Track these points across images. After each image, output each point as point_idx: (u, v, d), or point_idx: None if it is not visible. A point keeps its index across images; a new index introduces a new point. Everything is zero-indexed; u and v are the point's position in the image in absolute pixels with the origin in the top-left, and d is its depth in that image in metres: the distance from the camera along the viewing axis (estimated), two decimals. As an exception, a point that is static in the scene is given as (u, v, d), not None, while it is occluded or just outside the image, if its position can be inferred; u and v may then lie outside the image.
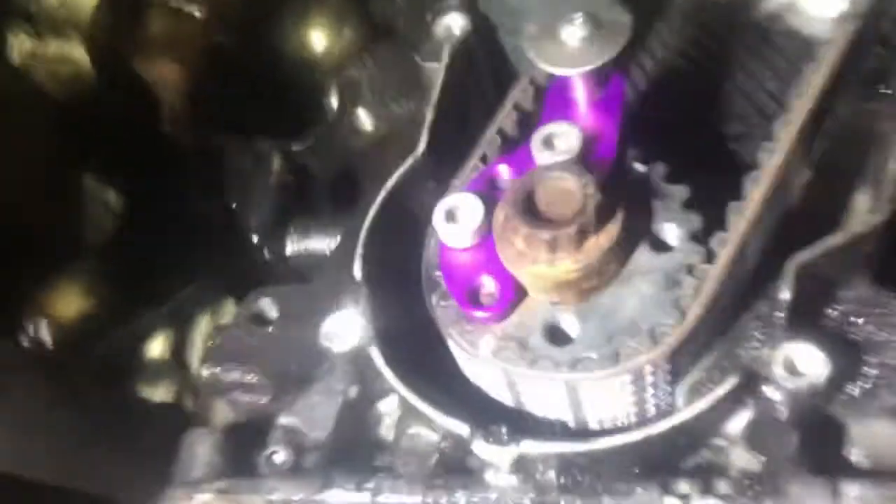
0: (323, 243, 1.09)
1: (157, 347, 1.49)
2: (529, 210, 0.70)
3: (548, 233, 0.68)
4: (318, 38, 1.36)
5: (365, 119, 1.14)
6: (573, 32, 0.74)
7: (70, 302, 1.44)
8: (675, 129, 0.99)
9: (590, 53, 0.75)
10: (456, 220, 0.75)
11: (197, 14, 1.42)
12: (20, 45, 1.47)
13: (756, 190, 0.73)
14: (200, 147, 1.28)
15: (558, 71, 0.77)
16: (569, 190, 0.70)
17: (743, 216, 0.72)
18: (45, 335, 1.41)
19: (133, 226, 1.47)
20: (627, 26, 0.74)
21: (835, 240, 0.70)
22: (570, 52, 0.75)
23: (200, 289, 1.45)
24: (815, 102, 0.76)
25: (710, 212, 0.76)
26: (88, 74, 1.48)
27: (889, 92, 0.97)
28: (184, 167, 1.31)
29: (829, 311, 0.74)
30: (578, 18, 0.74)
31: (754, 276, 0.76)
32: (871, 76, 0.96)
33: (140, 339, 1.48)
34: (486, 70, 0.99)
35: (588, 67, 0.75)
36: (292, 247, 1.09)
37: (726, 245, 0.71)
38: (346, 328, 0.78)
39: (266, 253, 1.11)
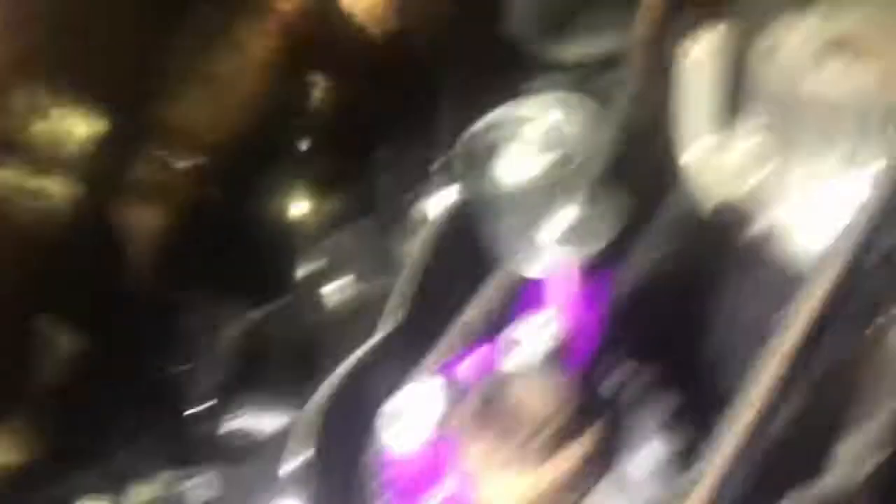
0: (270, 422, 1.01)
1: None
2: (497, 412, 0.64)
3: (512, 442, 0.61)
4: (301, 206, 1.34)
5: (333, 293, 1.09)
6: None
7: (3, 450, 1.35)
8: (651, 346, 0.95)
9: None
10: (407, 417, 0.68)
11: (185, 165, 1.41)
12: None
13: (733, 432, 0.67)
14: (160, 302, 1.22)
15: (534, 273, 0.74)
16: (540, 394, 0.64)
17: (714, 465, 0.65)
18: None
19: (80, 377, 1.39)
20: (613, 225, 0.71)
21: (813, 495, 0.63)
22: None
23: (139, 454, 1.36)
24: (800, 341, 0.72)
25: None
26: (63, 213, 1.44)
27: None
28: (137, 322, 1.24)
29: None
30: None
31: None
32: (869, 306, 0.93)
33: (68, 501, 1.37)
34: (466, 256, 0.95)
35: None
36: (233, 424, 1.01)
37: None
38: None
39: (206, 425, 1.03)
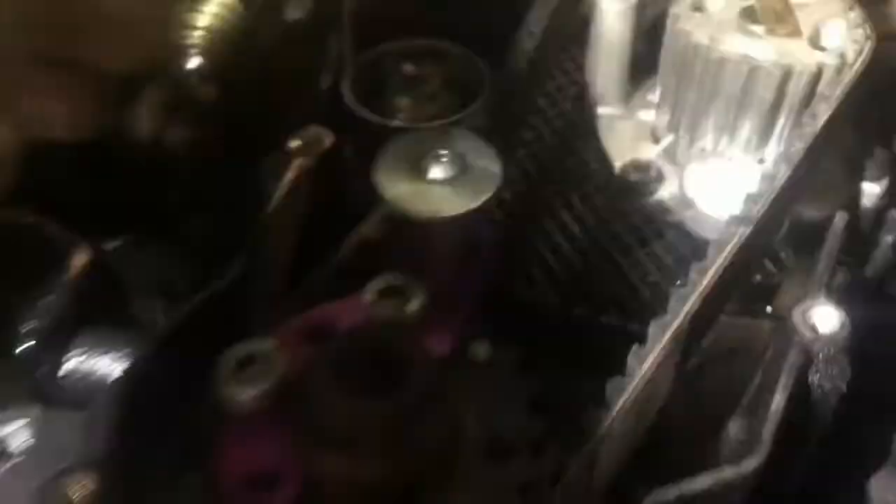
0: (112, 366, 0.90)
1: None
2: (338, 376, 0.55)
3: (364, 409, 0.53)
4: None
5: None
6: (435, 171, 0.63)
7: None
8: (539, 311, 0.89)
9: (455, 198, 0.64)
10: (247, 371, 0.59)
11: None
12: None
13: (618, 400, 0.61)
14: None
15: (419, 213, 0.65)
16: (394, 361, 0.56)
17: (600, 428, 0.59)
18: None
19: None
20: (498, 176, 0.63)
21: (701, 482, 0.57)
22: (433, 193, 0.64)
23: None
24: (696, 308, 0.66)
25: (559, 413, 0.63)
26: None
27: (771, 311, 0.90)
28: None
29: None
30: (444, 156, 0.63)
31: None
32: (756, 292, 0.89)
33: None
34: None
35: (451, 213, 0.64)
36: (73, 363, 0.89)
37: (576, 460, 0.57)
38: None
39: (38, 364, 0.91)
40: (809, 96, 0.88)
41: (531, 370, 0.67)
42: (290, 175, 0.77)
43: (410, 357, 0.54)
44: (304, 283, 0.70)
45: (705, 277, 0.69)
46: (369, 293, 0.62)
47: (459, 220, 0.63)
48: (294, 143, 0.82)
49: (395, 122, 0.86)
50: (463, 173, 0.64)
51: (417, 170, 0.65)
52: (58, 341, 0.93)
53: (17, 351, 0.96)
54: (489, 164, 0.65)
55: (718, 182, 0.94)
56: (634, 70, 1.04)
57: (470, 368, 0.63)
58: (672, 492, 0.56)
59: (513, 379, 0.64)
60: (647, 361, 0.64)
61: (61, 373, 0.92)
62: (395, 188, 0.65)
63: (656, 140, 1.02)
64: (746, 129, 0.92)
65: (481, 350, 0.65)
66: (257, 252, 0.73)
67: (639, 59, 1.04)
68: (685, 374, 0.81)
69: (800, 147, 0.79)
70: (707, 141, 0.96)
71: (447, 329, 0.63)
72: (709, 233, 0.92)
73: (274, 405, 0.58)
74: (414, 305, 0.60)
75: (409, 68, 0.88)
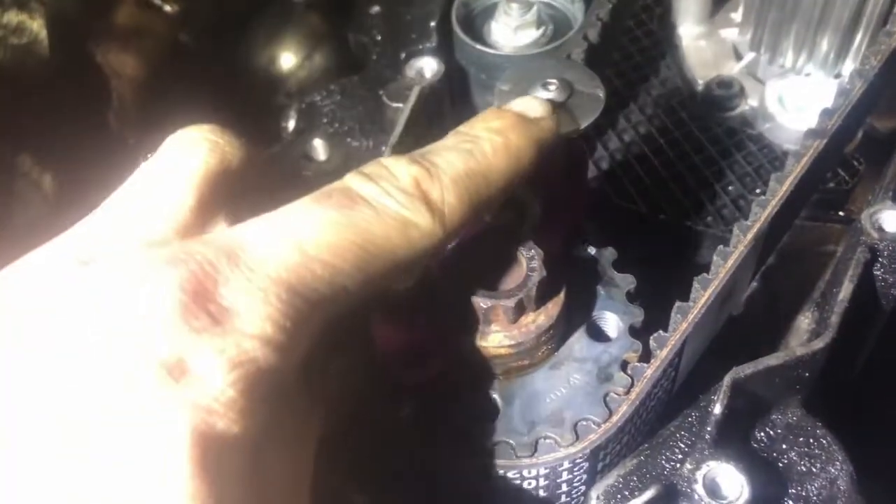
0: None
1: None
2: (470, 275, 0.66)
3: (485, 301, 0.64)
4: (288, 59, 1.32)
5: (320, 148, 1.10)
6: (546, 97, 0.72)
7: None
8: (631, 217, 0.98)
9: (560, 121, 0.72)
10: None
11: (168, 9, 1.37)
12: (-26, 7, 1.40)
13: (704, 293, 0.70)
14: (143, 147, 1.22)
15: None
16: (513, 259, 0.67)
17: (686, 318, 0.69)
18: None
19: (60, 215, 1.39)
20: (601, 100, 0.71)
21: (775, 359, 0.67)
22: None
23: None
24: (775, 212, 0.75)
25: (654, 307, 0.73)
26: (43, 50, 1.41)
27: (842, 215, 0.97)
28: (122, 164, 1.24)
29: (757, 432, 0.71)
30: (553, 84, 0.71)
31: (686, 383, 0.74)
32: (829, 198, 0.97)
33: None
34: (452, 120, 0.96)
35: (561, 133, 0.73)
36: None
37: (665, 346, 0.68)
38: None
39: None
40: (886, 15, 0.93)
41: (627, 268, 0.77)
42: (411, 101, 0.87)
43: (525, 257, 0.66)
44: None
45: (783, 185, 0.77)
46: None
47: (569, 139, 0.72)
48: (410, 70, 0.92)
49: (505, 51, 0.94)
50: (570, 97, 0.72)
51: (526, 93, 0.73)
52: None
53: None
54: (594, 90, 0.73)
55: (797, 96, 1.00)
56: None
57: (576, 265, 0.74)
58: (749, 367, 0.66)
59: (612, 274, 0.74)
60: (730, 260, 0.73)
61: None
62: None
63: (738, 57, 1.08)
64: (824, 46, 0.98)
65: (585, 250, 0.75)
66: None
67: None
68: (763, 272, 0.91)
69: (874, 63, 0.85)
70: (787, 58, 1.02)
71: (558, 231, 0.73)
72: (787, 144, 1.00)
73: (419, 298, 0.70)
74: (531, 212, 0.71)
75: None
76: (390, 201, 0.55)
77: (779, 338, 0.89)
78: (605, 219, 0.96)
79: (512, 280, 0.66)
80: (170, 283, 0.46)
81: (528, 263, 0.66)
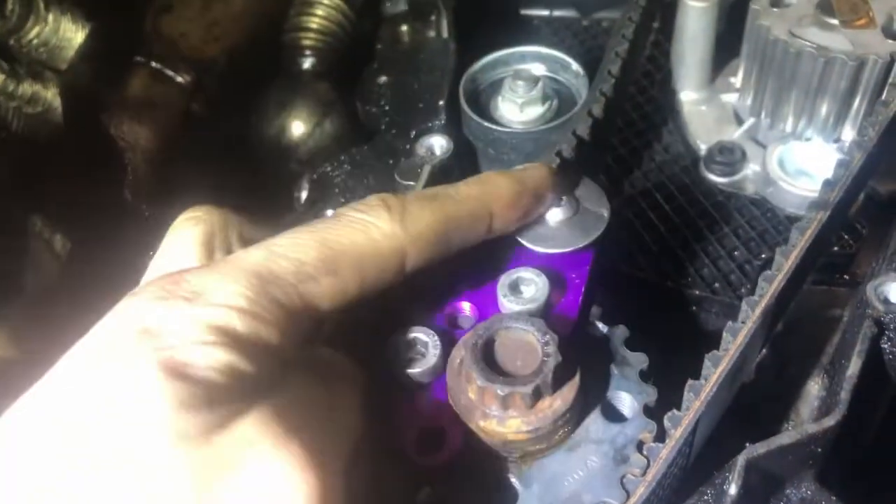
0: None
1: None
2: (487, 361, 0.68)
3: (503, 388, 0.66)
4: (298, 127, 1.34)
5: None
6: (555, 213, 0.76)
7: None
8: (639, 285, 1.00)
9: (566, 237, 0.77)
10: (414, 356, 0.73)
11: (180, 80, 1.41)
12: (-3, 78, 1.44)
13: (715, 371, 0.72)
14: (153, 217, 1.24)
15: (533, 248, 0.78)
16: (529, 345, 0.69)
17: (699, 397, 0.71)
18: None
19: (71, 277, 1.41)
20: (605, 220, 0.77)
21: (788, 438, 0.69)
22: (548, 231, 0.77)
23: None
24: (781, 285, 0.76)
25: (665, 382, 0.75)
26: (57, 119, 1.44)
27: (847, 278, 0.99)
28: (125, 232, 1.27)
29: (773, 507, 0.72)
30: (562, 201, 0.75)
31: (699, 460, 0.75)
32: (834, 262, 0.98)
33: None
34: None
35: (562, 250, 0.77)
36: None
37: (679, 425, 0.69)
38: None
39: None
40: (882, 82, 0.96)
41: (635, 338, 0.78)
42: (422, 179, 0.90)
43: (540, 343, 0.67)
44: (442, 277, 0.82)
45: (789, 259, 0.79)
46: (501, 286, 0.74)
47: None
48: (420, 148, 0.95)
49: (511, 128, 0.97)
50: (576, 214, 0.77)
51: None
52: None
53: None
54: (599, 208, 0.78)
55: (798, 160, 1.03)
56: (716, 53, 1.13)
57: (588, 344, 0.76)
58: (762, 446, 0.68)
59: (624, 353, 0.75)
60: (739, 336, 0.74)
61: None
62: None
63: (739, 122, 1.11)
64: (823, 112, 1.01)
65: (597, 328, 0.77)
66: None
67: (720, 40, 1.12)
68: (772, 340, 0.92)
69: (872, 135, 0.87)
70: (787, 123, 1.05)
71: (569, 312, 0.75)
72: (789, 208, 1.02)
73: (436, 380, 0.72)
74: (540, 295, 0.73)
75: (511, 74, 0.98)
76: (351, 210, 0.65)
77: (790, 404, 0.91)
78: (612, 286, 0.98)
79: (527, 365, 0.68)
80: (153, 285, 0.56)
81: (544, 348, 0.68)
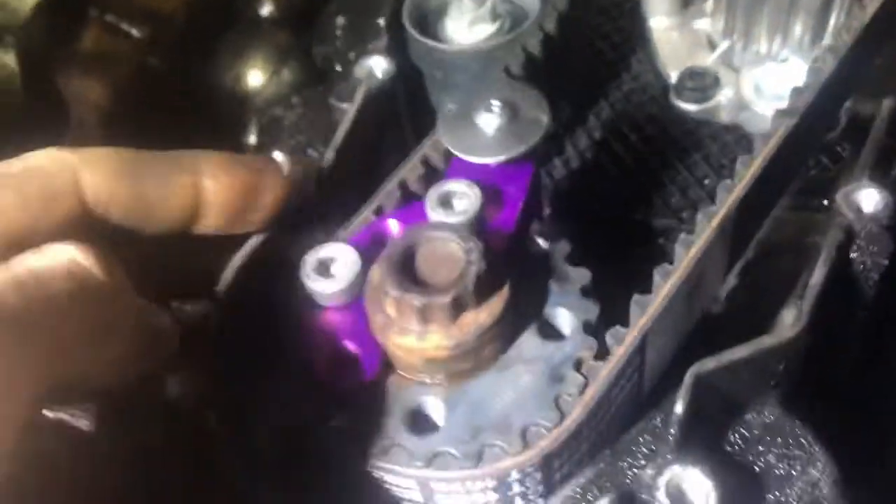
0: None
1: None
2: (405, 272, 0.61)
3: (419, 299, 0.59)
4: (256, 76, 1.28)
5: (280, 160, 1.05)
6: (489, 120, 0.69)
7: None
8: (603, 217, 0.93)
9: (500, 145, 0.69)
10: (328, 273, 0.66)
11: (134, 33, 1.35)
12: (-51, 43, 1.39)
13: (664, 284, 0.65)
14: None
15: (466, 157, 0.70)
16: (451, 254, 0.62)
17: (646, 312, 0.64)
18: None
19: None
20: (544, 125, 0.69)
21: (740, 352, 0.61)
22: (482, 140, 0.70)
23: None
24: (740, 196, 0.69)
25: (619, 305, 0.68)
26: (16, 83, 1.39)
27: (826, 204, 0.92)
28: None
29: (729, 433, 0.64)
30: (497, 106, 0.68)
31: (654, 385, 0.68)
32: (812, 186, 0.91)
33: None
34: (406, 119, 0.92)
35: (496, 159, 0.69)
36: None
37: (622, 342, 0.62)
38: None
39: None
40: (860, -10, 0.88)
41: (590, 266, 0.71)
42: (357, 101, 0.83)
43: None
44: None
45: (750, 168, 0.72)
46: (430, 198, 0.67)
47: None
48: (360, 70, 0.88)
49: (455, 47, 0.90)
50: (514, 121, 0.69)
51: (472, 119, 0.70)
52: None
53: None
54: (539, 114, 0.70)
55: (774, 83, 0.95)
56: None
57: (525, 260, 0.69)
58: (712, 361, 0.61)
59: (565, 269, 0.68)
60: (693, 248, 0.67)
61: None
62: (451, 135, 0.71)
63: (713, 47, 1.03)
64: (798, 29, 0.93)
65: (536, 244, 0.70)
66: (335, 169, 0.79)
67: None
68: (742, 268, 0.85)
69: (847, 39, 0.80)
70: (761, 44, 0.97)
71: (505, 226, 0.68)
72: (764, 132, 0.94)
73: (351, 299, 0.65)
74: (471, 207, 0.66)
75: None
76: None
77: (763, 335, 0.83)
78: (575, 219, 0.90)
79: (450, 276, 0.61)
80: None
81: (467, 256, 0.61)
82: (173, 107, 1.28)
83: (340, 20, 1.20)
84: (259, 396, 0.63)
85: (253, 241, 0.71)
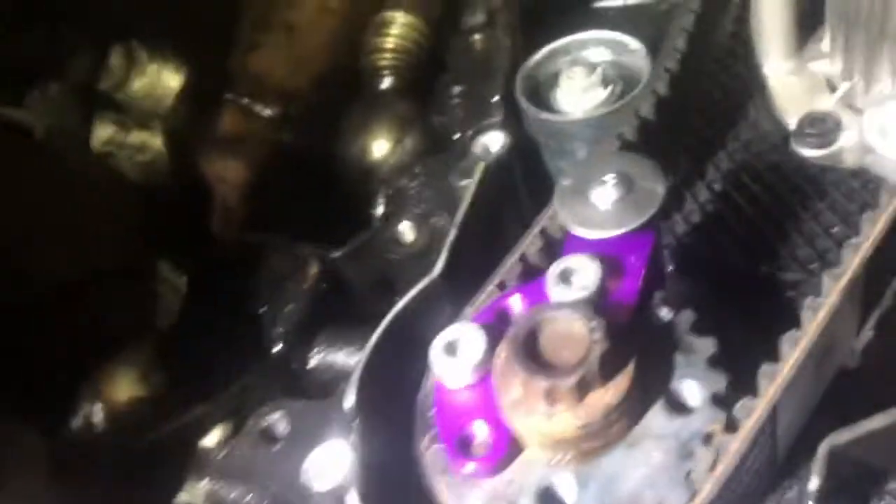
0: (349, 358, 1.04)
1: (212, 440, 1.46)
2: (530, 352, 0.63)
3: (546, 381, 0.61)
4: (380, 147, 1.34)
5: (407, 231, 1.10)
6: (604, 194, 0.71)
7: (127, 387, 1.43)
8: (727, 273, 0.92)
9: (617, 219, 0.71)
10: (455, 353, 0.69)
11: (268, 113, 1.44)
12: (101, 130, 1.52)
13: (792, 353, 0.64)
14: (242, 245, 1.27)
15: (584, 233, 0.72)
16: (575, 333, 0.64)
17: (774, 382, 0.63)
18: (99, 418, 1.40)
19: (192, 314, 1.46)
20: (660, 196, 0.70)
21: (879, 421, 0.60)
22: (599, 214, 0.72)
23: (251, 386, 1.42)
24: (867, 254, 0.68)
25: (741, 373, 0.67)
26: (164, 164, 1.50)
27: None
28: (226, 263, 1.30)
29: (873, 502, 0.63)
30: (611, 180, 0.70)
31: (788, 456, 0.67)
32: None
33: (194, 431, 1.45)
34: (524, 190, 0.94)
35: (612, 233, 0.71)
36: (317, 359, 1.05)
37: (752, 414, 0.62)
38: (331, 463, 0.72)
39: (291, 363, 1.07)
40: None
41: (718, 331, 0.71)
42: (476, 177, 0.87)
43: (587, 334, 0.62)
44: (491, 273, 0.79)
45: (877, 225, 0.70)
46: (550, 276, 0.70)
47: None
48: (476, 146, 0.92)
49: (568, 117, 0.93)
50: (629, 193, 0.71)
51: (586, 193, 0.72)
52: (302, 342, 1.09)
53: (272, 353, 1.13)
54: (654, 185, 0.71)
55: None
56: (801, 21, 1.04)
57: (649, 333, 0.69)
58: (847, 433, 0.59)
59: (690, 340, 0.69)
60: (820, 313, 0.67)
61: (308, 368, 1.08)
62: (567, 209, 0.73)
63: (832, 89, 1.01)
64: (923, 70, 0.90)
65: (658, 315, 0.71)
66: (458, 249, 0.83)
67: (805, 7, 1.03)
68: (879, 318, 0.82)
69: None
70: (885, 82, 0.95)
71: (627, 299, 0.69)
72: (894, 175, 0.91)
73: (481, 380, 0.68)
74: (590, 282, 0.68)
75: (571, 62, 0.93)
76: None
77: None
78: (698, 276, 0.90)
79: (575, 356, 0.63)
80: None
81: (591, 335, 0.63)
82: (308, 181, 1.35)
83: (456, 89, 1.24)
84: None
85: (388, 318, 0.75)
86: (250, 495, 0.87)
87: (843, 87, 0.99)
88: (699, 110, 1.06)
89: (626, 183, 0.72)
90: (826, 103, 0.99)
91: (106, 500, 1.25)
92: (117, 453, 1.32)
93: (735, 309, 0.84)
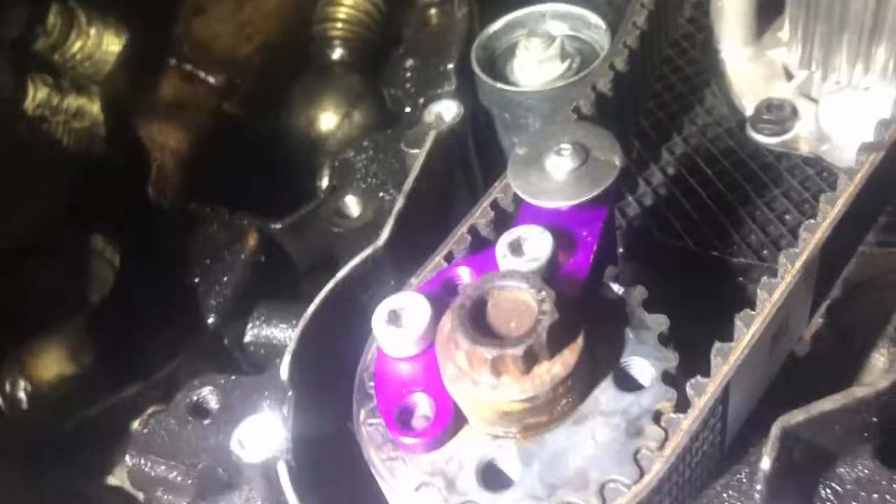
0: (285, 334, 1.00)
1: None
2: (477, 321, 0.60)
3: (492, 350, 0.58)
4: (328, 119, 1.30)
5: (353, 204, 1.06)
6: (559, 164, 0.68)
7: (54, 364, 1.37)
8: (678, 255, 0.91)
9: (572, 189, 0.68)
10: (399, 322, 0.65)
11: (211, 81, 1.39)
12: (35, 91, 1.44)
13: (747, 332, 0.62)
14: (179, 214, 1.21)
15: (537, 202, 0.69)
16: (523, 304, 0.61)
17: (727, 361, 0.61)
18: (23, 397, 1.33)
19: (126, 287, 1.40)
20: (617, 168, 0.67)
21: (831, 403, 0.58)
22: (553, 184, 0.69)
23: (187, 364, 1.37)
24: (824, 236, 0.66)
25: (697, 352, 0.65)
26: (101, 131, 1.44)
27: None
28: (163, 234, 1.24)
29: (822, 488, 0.61)
30: (567, 149, 0.67)
31: (736, 435, 0.65)
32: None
33: (126, 412, 1.39)
34: (476, 162, 0.91)
35: (567, 204, 0.68)
36: (251, 333, 1.00)
37: (703, 393, 0.60)
38: (261, 435, 0.68)
39: (224, 337, 1.02)
40: (948, 14, 0.85)
41: (668, 309, 0.69)
42: (426, 146, 0.83)
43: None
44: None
45: (835, 207, 0.69)
46: (501, 245, 0.66)
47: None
48: (429, 115, 0.88)
49: (525, 88, 0.90)
50: (585, 163, 0.68)
51: (541, 163, 0.69)
52: (238, 315, 1.05)
53: (207, 326, 1.08)
54: (611, 156, 0.68)
55: (854, 113, 0.92)
56: (761, 8, 1.03)
57: (600, 307, 0.67)
58: (800, 414, 0.58)
59: (642, 316, 0.66)
60: (776, 293, 0.65)
61: (244, 342, 1.04)
62: (521, 179, 0.70)
63: (789, 77, 1.00)
64: (881, 56, 0.90)
65: (610, 290, 0.68)
66: (406, 219, 0.79)
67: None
68: (828, 307, 0.81)
69: (935, 67, 0.77)
70: (841, 73, 0.94)
71: (578, 272, 0.67)
72: (847, 164, 0.90)
73: (424, 351, 0.65)
74: (542, 253, 0.65)
75: (528, 34, 0.91)
76: None
77: (852, 378, 0.80)
78: (650, 258, 0.89)
79: (522, 326, 0.60)
80: None
81: (539, 306, 0.60)
82: (250, 152, 1.30)
83: (409, 62, 1.21)
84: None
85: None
86: (175, 472, 0.82)
87: (801, 75, 0.98)
88: (656, 93, 1.04)
89: (583, 153, 0.69)
90: (783, 91, 0.99)
91: (30, 483, 1.19)
92: (44, 433, 1.26)
93: (686, 291, 0.82)
